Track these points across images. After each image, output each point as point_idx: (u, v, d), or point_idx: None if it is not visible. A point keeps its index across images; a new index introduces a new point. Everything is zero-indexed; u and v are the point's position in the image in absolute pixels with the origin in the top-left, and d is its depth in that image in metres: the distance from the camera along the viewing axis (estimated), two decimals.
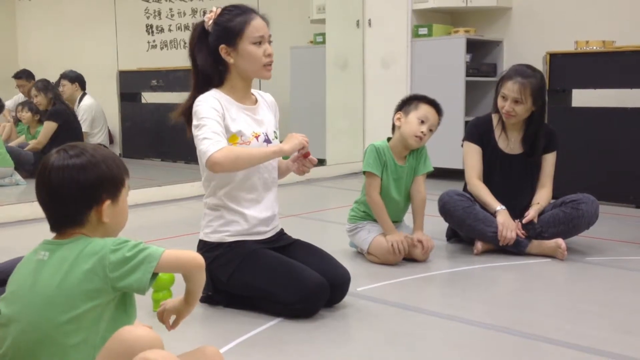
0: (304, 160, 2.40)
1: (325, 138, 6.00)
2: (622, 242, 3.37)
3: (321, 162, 6.10)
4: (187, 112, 2.32)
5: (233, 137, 2.27)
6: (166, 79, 7.03)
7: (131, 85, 7.51)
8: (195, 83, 2.35)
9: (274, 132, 2.43)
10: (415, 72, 5.67)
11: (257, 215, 2.33)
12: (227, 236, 2.30)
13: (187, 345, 1.59)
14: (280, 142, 2.38)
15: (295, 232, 2.54)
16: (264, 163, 2.32)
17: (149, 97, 7.50)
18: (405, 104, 3.01)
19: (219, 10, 2.32)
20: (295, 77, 6.36)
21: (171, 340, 1.54)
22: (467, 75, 5.37)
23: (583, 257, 3.05)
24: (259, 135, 2.34)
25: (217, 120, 2.22)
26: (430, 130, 2.96)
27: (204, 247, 2.32)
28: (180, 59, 7.07)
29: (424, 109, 2.95)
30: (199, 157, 2.23)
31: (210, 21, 2.30)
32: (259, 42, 2.27)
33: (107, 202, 1.42)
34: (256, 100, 2.42)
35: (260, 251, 2.30)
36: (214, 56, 2.30)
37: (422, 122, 2.94)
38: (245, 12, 2.30)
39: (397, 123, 3.00)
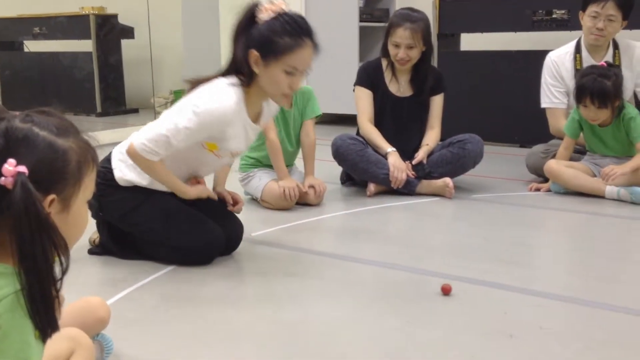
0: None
1: None
2: (506, 179, 3.55)
3: None
4: (201, 83, 2.11)
5: (212, 146, 2.15)
6: (49, 26, 6.65)
7: (11, 33, 7.06)
8: (228, 67, 2.13)
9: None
10: (309, 17, 5.58)
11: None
12: (125, 184, 2.21)
13: (73, 299, 1.54)
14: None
15: None
16: (215, 164, 2.27)
17: (32, 46, 7.09)
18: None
19: (281, 10, 2.05)
20: (187, 22, 6.16)
21: None
22: (361, 20, 5.40)
23: (469, 194, 3.19)
24: (237, 154, 2.26)
25: (188, 140, 2.05)
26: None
27: (104, 175, 2.16)
28: (60, 3, 6.74)
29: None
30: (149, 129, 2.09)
31: (265, 17, 2.04)
32: (291, 73, 2.08)
33: None
34: (261, 114, 2.24)
35: (159, 195, 2.24)
36: (248, 53, 2.07)
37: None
38: (299, 35, 2.04)
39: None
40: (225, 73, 2.13)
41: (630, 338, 1.65)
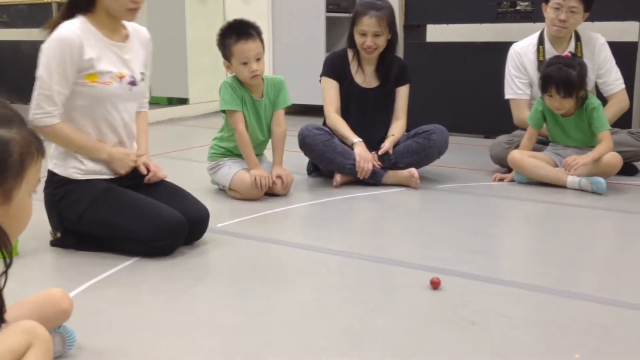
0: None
1: (187, 75, 5.85)
2: (470, 169, 3.59)
3: (184, 101, 5.96)
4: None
5: (92, 76, 2.14)
6: (9, 14, 6.51)
7: None
8: (67, 8, 2.20)
9: (141, 73, 2.32)
10: (276, 7, 5.60)
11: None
12: (76, 173, 2.21)
13: (35, 291, 1.52)
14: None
15: None
16: (123, 98, 2.24)
17: None
18: (221, 49, 2.91)
19: None
20: (152, 10, 6.07)
21: (18, 286, 1.46)
22: (327, 11, 5.40)
23: (435, 185, 3.22)
24: (123, 77, 2.22)
25: (58, 78, 2.11)
26: (258, 60, 2.86)
27: (52, 182, 2.23)
28: None
29: (241, 50, 2.84)
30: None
31: None
32: None
33: None
34: (127, 36, 2.27)
35: (115, 188, 2.23)
36: None
37: (246, 63, 2.85)
38: None
39: (228, 72, 2.95)
40: (66, 17, 2.19)
41: (589, 324, 1.69)
